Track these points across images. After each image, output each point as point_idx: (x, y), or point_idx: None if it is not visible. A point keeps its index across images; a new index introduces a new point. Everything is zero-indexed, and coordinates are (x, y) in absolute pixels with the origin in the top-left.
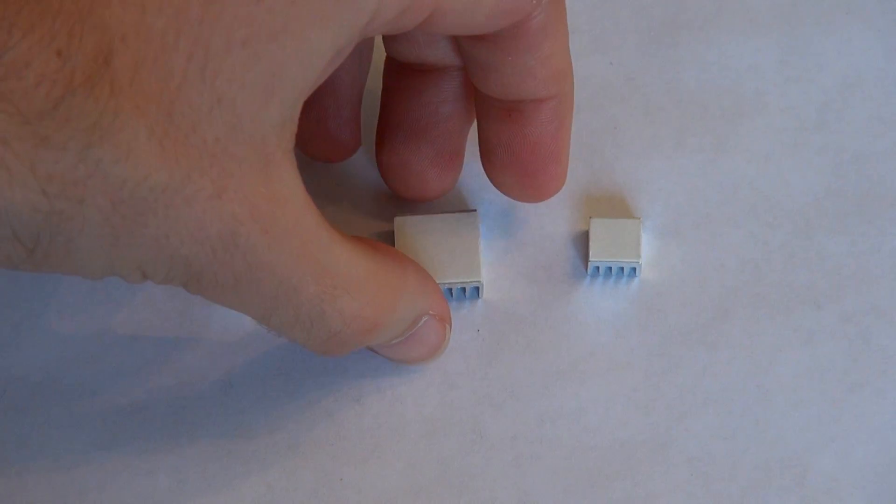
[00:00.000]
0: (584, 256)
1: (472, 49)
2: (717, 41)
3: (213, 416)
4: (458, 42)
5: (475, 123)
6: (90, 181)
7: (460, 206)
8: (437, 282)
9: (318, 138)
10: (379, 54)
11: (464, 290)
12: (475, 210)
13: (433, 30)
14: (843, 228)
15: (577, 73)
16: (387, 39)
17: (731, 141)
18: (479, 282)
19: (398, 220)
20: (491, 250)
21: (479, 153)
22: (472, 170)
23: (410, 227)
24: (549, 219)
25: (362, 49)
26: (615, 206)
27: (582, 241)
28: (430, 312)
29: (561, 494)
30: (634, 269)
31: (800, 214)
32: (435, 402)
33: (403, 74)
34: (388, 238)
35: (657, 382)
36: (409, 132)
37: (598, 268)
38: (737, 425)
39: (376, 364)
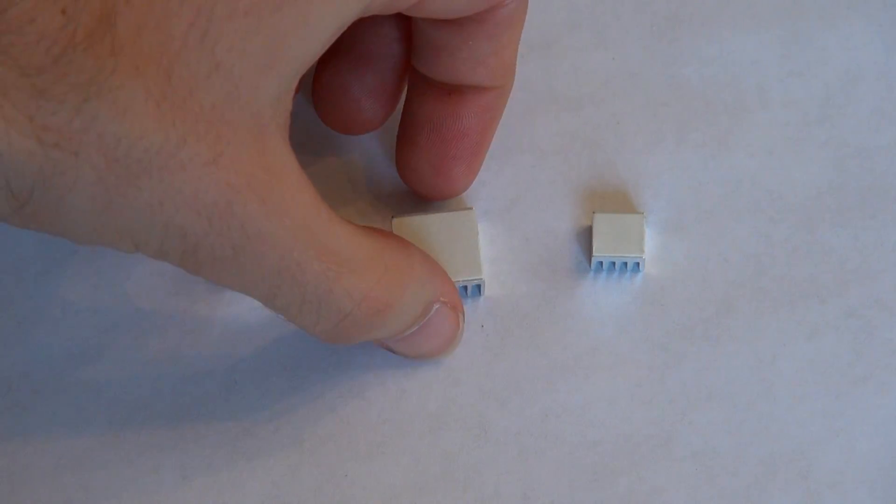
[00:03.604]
0: (588, 251)
1: (431, 31)
2: (719, 36)
3: (218, 412)
4: (415, 24)
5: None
6: (86, 135)
7: (457, 206)
8: None
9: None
10: None
11: (465, 288)
12: (471, 208)
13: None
14: (846, 222)
15: (580, 68)
16: None
17: (734, 136)
18: (480, 279)
19: (396, 220)
20: (494, 246)
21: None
22: None
23: (409, 228)
24: (553, 214)
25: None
26: (618, 201)
27: (585, 237)
28: (442, 299)
29: (565, 489)
30: (638, 263)
31: (802, 209)
32: (439, 398)
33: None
34: None
35: (661, 377)
36: (351, 60)
37: (601, 263)
38: (741, 420)
39: (380, 359)
